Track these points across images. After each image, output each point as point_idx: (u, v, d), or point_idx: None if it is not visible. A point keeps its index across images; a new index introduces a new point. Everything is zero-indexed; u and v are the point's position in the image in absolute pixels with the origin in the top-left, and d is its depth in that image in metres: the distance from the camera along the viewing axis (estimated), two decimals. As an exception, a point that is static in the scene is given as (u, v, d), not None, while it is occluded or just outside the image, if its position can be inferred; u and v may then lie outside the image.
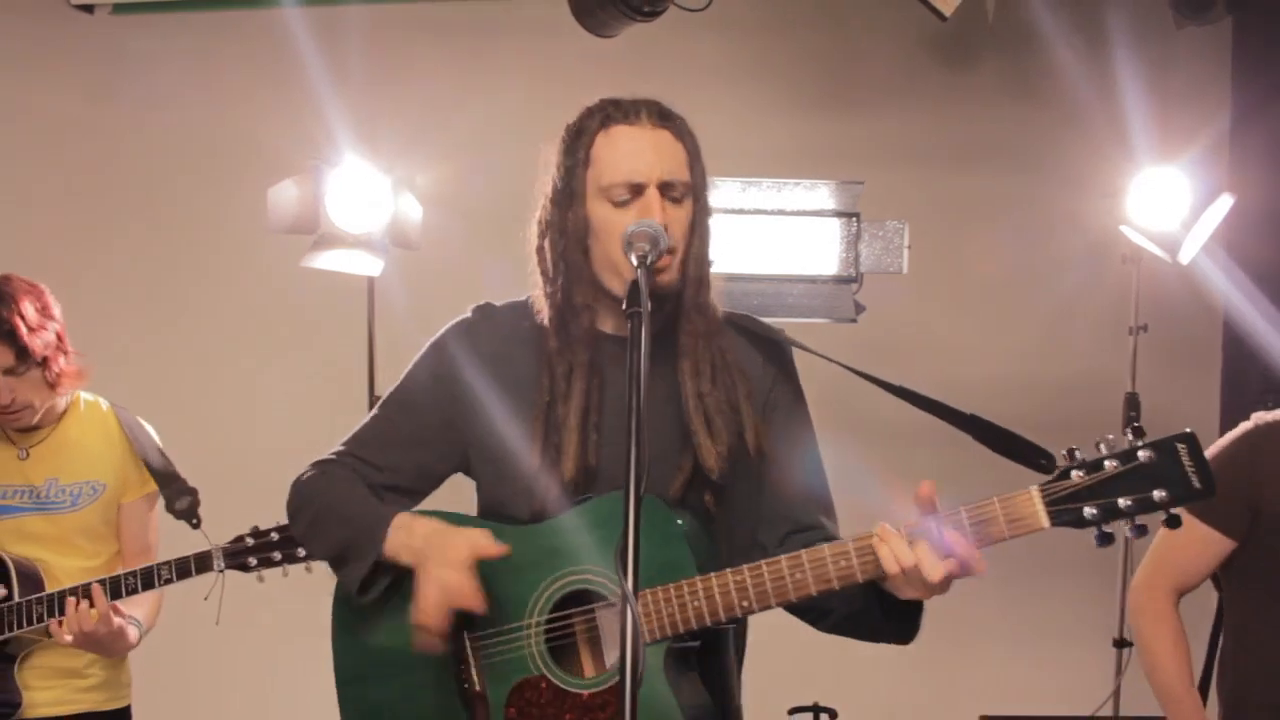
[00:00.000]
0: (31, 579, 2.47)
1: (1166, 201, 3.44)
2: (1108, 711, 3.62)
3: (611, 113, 1.71)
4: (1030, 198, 4.13)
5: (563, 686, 1.63)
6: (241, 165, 4.08)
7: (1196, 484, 1.46)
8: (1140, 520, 1.48)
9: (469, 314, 1.84)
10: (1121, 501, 1.47)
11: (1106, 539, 1.49)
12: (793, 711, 3.38)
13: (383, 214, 3.42)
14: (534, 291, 1.77)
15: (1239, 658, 2.22)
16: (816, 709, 3.37)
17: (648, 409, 1.54)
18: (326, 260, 3.42)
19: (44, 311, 2.46)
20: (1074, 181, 3.83)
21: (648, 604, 1.57)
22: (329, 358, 4.07)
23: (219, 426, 3.92)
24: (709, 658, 1.65)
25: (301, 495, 1.80)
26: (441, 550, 1.61)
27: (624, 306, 1.51)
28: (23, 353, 2.39)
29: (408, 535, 1.65)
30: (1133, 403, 3.64)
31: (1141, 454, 1.47)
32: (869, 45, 4.50)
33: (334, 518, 1.74)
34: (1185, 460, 1.46)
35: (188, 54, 4.60)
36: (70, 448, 2.59)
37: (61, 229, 4.17)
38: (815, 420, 1.85)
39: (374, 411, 1.85)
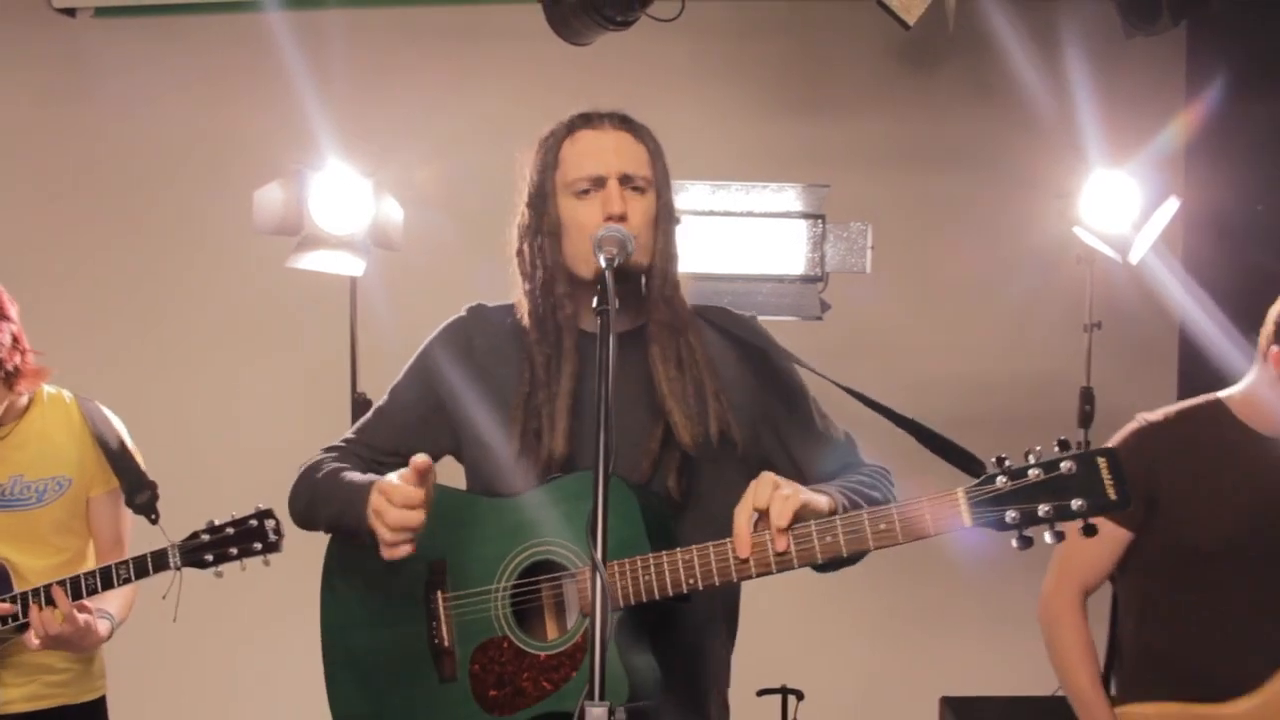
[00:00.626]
0: (1, 579, 2.45)
1: (1117, 204, 3.56)
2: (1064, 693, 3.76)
3: (577, 122, 1.85)
4: (988, 200, 4.23)
5: (523, 647, 1.75)
6: (226, 167, 4.15)
7: (1113, 496, 1.53)
8: (1060, 527, 1.55)
9: (462, 313, 1.97)
10: (1041, 508, 1.54)
11: (1026, 542, 1.56)
12: (761, 693, 3.47)
13: (365, 216, 3.49)
14: (516, 293, 1.90)
15: (1139, 646, 2.37)
16: (784, 690, 3.45)
17: (619, 398, 1.65)
18: (310, 261, 3.50)
19: (2, 311, 2.41)
20: (1029, 184, 3.92)
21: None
22: (312, 356, 4.12)
23: (202, 424, 3.97)
24: (666, 632, 1.75)
25: (301, 482, 1.93)
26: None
27: (594, 305, 1.64)
28: None
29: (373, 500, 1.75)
30: (1087, 397, 3.74)
31: (1064, 465, 1.54)
32: (835, 52, 4.57)
33: (324, 496, 1.86)
34: (1104, 473, 1.53)
35: (171, 57, 4.63)
36: (33, 443, 2.53)
37: (44, 230, 4.20)
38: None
39: (380, 403, 1.99)
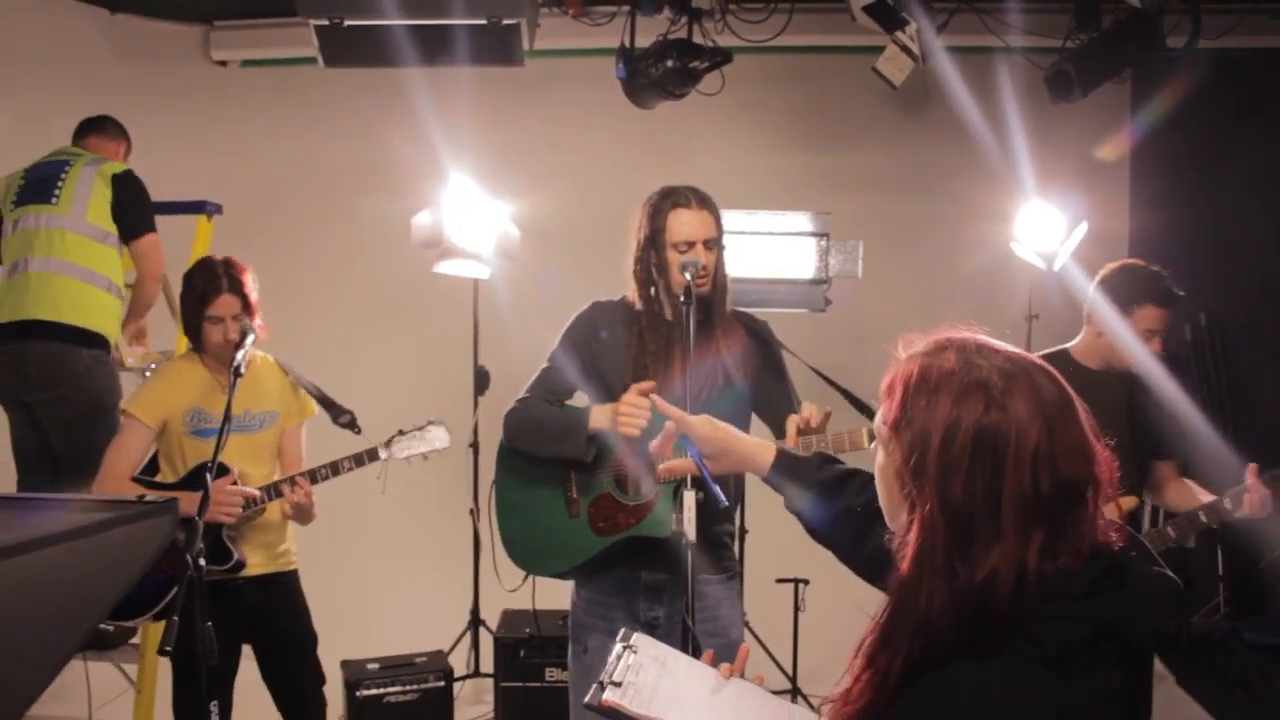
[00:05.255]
0: (237, 483, 3.15)
1: (1044, 226, 4.54)
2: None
3: (676, 200, 2.90)
4: (952, 220, 5.11)
5: (619, 499, 2.84)
6: (366, 190, 5.17)
7: None
8: None
9: (588, 306, 3.01)
10: None
11: None
12: (778, 581, 4.42)
13: (491, 234, 4.43)
14: (629, 293, 3.01)
15: None
16: (795, 580, 4.45)
17: (695, 359, 2.76)
18: (448, 267, 4.49)
19: (254, 281, 3.24)
20: (982, 208, 4.80)
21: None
22: (445, 336, 5.02)
23: (361, 385, 4.70)
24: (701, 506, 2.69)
25: (521, 419, 2.86)
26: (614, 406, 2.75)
27: (680, 300, 2.78)
28: (246, 304, 3.18)
29: (600, 413, 2.80)
30: None
31: None
32: (839, 99, 5.51)
33: (555, 422, 2.87)
34: None
35: (305, 99, 5.64)
36: (256, 387, 3.28)
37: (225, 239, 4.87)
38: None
39: (544, 365, 2.96)
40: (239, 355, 3.07)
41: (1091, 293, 3.23)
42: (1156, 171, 5.81)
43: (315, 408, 3.44)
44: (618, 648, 1.72)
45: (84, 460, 3.71)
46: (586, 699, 1.64)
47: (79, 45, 5.57)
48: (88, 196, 3.93)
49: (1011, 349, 1.37)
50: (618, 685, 1.62)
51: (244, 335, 3.15)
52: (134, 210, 3.99)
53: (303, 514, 3.25)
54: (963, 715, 1.18)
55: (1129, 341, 3.16)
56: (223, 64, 5.98)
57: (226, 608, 3.15)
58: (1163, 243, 5.63)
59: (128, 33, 5.77)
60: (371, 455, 3.26)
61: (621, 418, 2.72)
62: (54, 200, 3.93)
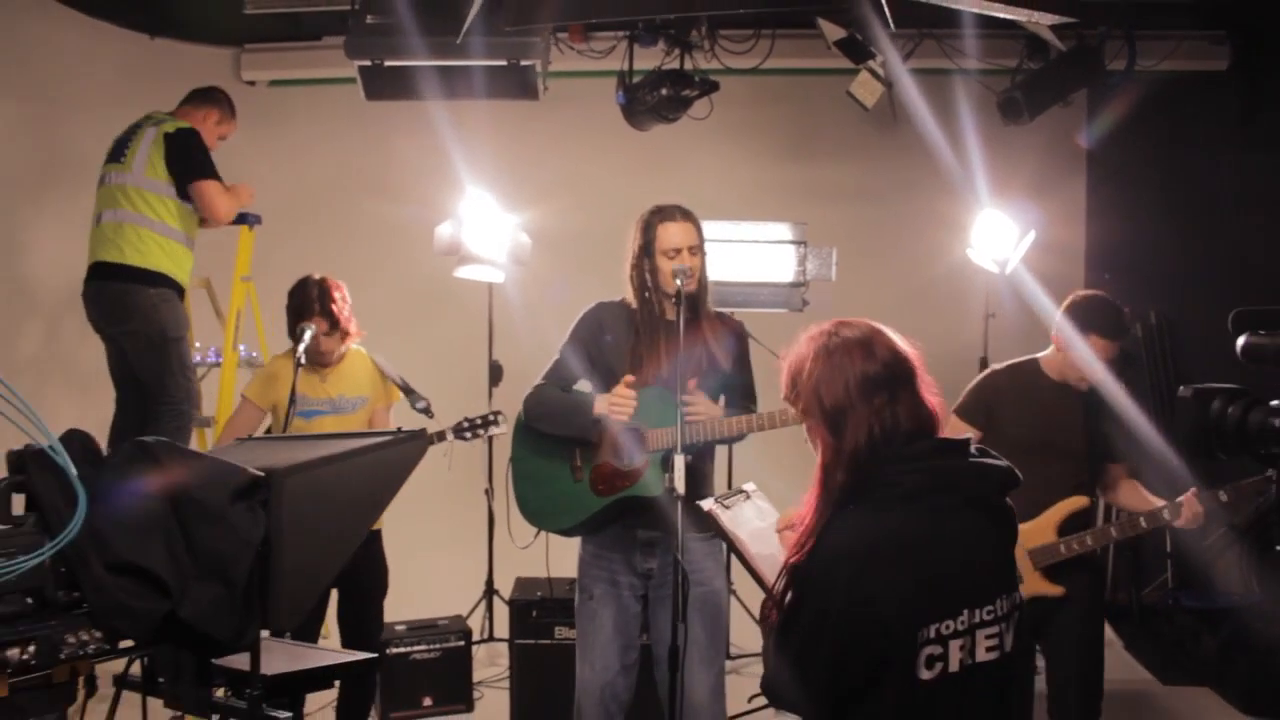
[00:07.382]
0: None
1: (997, 233, 4.96)
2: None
3: (664, 216, 3.39)
4: (918, 228, 5.52)
5: (617, 466, 3.28)
6: (404, 205, 5.60)
7: None
8: None
9: (593, 305, 3.48)
10: None
11: None
12: None
13: (505, 243, 4.86)
14: (626, 295, 3.51)
15: None
16: None
17: (686, 349, 3.26)
18: (467, 272, 4.94)
19: (344, 297, 3.74)
20: (942, 217, 5.22)
21: (654, 435, 3.28)
22: (463, 333, 5.40)
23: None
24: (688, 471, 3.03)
25: (538, 401, 3.36)
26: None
27: (674, 301, 3.29)
28: (335, 323, 3.70)
29: (599, 401, 3.28)
30: (984, 365, 4.91)
31: None
32: (814, 127, 5.92)
33: (564, 406, 3.37)
34: None
35: (326, 116, 6.07)
36: (349, 374, 3.79)
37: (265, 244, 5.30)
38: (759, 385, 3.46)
39: (555, 358, 3.44)
40: (299, 349, 3.60)
41: (1058, 316, 3.55)
42: (1110, 182, 6.25)
43: (399, 394, 3.90)
44: (740, 492, 2.25)
45: (157, 385, 4.34)
46: (701, 503, 2.20)
47: (121, 68, 5.91)
48: (146, 154, 4.43)
49: (863, 324, 1.97)
50: (727, 508, 2.16)
51: (302, 334, 3.66)
52: (184, 160, 4.42)
53: None
54: (851, 538, 1.80)
55: (1085, 362, 3.51)
56: (251, 84, 6.37)
57: None
58: (1116, 247, 6.11)
59: (165, 55, 6.12)
60: (440, 436, 3.74)
61: (613, 407, 3.25)
62: (123, 159, 4.46)
